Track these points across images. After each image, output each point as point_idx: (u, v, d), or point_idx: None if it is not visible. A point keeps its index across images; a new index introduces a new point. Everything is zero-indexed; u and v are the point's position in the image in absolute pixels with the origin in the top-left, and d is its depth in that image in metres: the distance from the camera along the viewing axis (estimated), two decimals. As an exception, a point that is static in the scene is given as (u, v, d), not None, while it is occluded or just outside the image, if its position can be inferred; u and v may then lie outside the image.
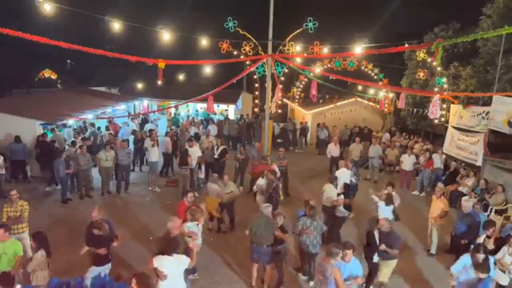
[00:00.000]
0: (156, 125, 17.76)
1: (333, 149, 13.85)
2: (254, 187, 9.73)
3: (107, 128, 14.95)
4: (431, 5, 25.17)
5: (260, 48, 12.91)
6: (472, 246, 6.27)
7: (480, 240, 6.88)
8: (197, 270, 6.97)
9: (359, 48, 12.14)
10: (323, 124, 18.56)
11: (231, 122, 19.37)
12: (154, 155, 11.91)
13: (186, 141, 12.29)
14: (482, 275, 5.58)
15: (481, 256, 5.67)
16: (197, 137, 14.55)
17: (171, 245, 5.27)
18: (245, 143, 17.73)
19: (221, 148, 12.40)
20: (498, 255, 6.24)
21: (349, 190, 8.90)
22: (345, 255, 5.44)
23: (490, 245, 6.61)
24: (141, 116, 19.23)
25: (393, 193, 8.42)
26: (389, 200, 8.10)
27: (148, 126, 16.63)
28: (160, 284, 5.12)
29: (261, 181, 9.38)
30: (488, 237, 6.76)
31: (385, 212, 7.94)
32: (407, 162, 12.65)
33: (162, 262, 5.10)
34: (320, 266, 5.59)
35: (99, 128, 15.19)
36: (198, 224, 6.63)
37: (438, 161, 12.51)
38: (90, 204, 10.67)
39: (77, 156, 10.86)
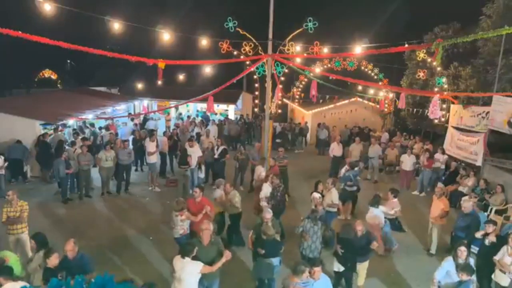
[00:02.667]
0: (156, 125, 17.77)
1: (336, 149, 13.83)
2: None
3: (107, 128, 14.95)
4: (431, 5, 25.15)
5: (260, 48, 12.86)
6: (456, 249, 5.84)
7: (478, 235, 6.87)
8: None
9: (359, 48, 12.09)
10: (323, 124, 18.55)
11: (231, 122, 19.36)
12: (153, 156, 11.91)
13: (186, 141, 12.30)
14: (466, 277, 5.23)
15: (464, 255, 5.59)
16: (197, 137, 14.53)
17: (185, 246, 5.28)
18: (245, 143, 17.73)
19: (221, 148, 12.40)
20: (498, 256, 6.23)
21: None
22: (314, 273, 4.90)
23: (492, 238, 6.62)
24: (140, 117, 19.20)
25: (394, 200, 8.33)
26: (375, 202, 7.92)
27: (150, 124, 16.58)
28: (173, 283, 5.19)
29: (266, 188, 8.68)
30: (486, 234, 6.74)
31: (375, 213, 7.81)
32: (407, 162, 12.64)
33: (175, 262, 5.15)
34: (283, 283, 5.05)
35: (100, 128, 15.19)
36: (177, 216, 6.49)
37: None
38: (90, 204, 10.72)
39: (77, 156, 10.87)
